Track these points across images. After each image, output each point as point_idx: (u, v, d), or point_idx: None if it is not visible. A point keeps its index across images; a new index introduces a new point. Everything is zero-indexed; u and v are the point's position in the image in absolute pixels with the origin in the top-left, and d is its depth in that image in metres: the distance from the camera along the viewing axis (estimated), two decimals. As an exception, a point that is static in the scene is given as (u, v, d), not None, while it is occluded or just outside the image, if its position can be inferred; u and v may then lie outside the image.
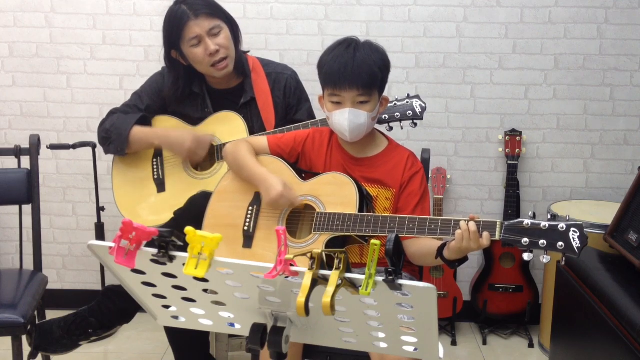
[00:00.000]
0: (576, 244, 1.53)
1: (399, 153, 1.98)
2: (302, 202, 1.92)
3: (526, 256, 1.58)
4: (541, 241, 1.55)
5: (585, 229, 1.54)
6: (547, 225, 1.55)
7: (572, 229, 1.54)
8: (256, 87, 2.38)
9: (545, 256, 1.55)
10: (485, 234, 1.59)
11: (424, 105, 2.18)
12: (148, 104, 2.42)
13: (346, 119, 1.84)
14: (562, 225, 1.54)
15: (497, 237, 1.60)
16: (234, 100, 2.40)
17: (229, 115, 2.35)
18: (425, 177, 1.98)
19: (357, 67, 1.80)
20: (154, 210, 2.36)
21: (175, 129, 2.38)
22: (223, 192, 2.06)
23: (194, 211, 2.16)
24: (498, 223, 1.61)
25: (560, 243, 1.54)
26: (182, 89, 2.38)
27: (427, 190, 1.95)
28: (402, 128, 2.22)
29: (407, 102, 2.18)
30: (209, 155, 2.37)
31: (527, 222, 1.57)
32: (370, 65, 1.82)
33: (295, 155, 2.04)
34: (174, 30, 2.25)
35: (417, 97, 2.19)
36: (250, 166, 1.97)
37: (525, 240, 1.57)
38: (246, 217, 1.97)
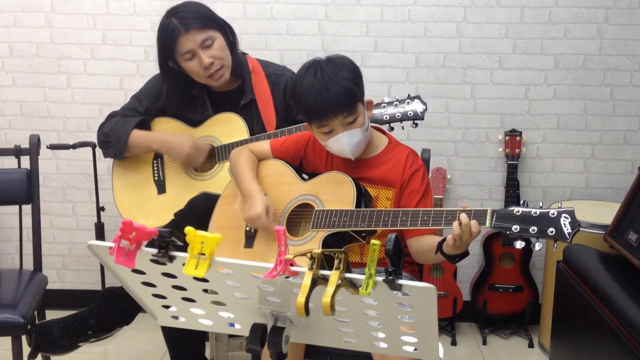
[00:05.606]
0: (567, 229, 1.50)
1: (399, 151, 1.98)
2: (274, 230, 1.91)
3: (518, 244, 1.56)
4: (532, 228, 1.53)
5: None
6: (537, 212, 1.54)
7: (563, 214, 1.52)
8: (256, 89, 2.38)
9: (537, 243, 1.54)
10: (473, 222, 1.58)
11: (424, 105, 2.18)
12: (147, 106, 2.41)
13: (344, 143, 1.84)
14: (553, 212, 1.53)
15: (487, 225, 1.59)
16: (233, 102, 2.39)
17: (230, 116, 2.35)
18: (427, 174, 1.98)
19: (333, 93, 1.77)
20: (155, 211, 2.36)
21: (175, 134, 2.37)
22: (228, 196, 2.09)
23: (194, 213, 2.16)
24: (489, 211, 1.60)
25: (551, 229, 1.51)
26: (182, 95, 2.37)
27: (428, 188, 1.95)
28: (402, 128, 2.22)
29: (408, 102, 2.19)
30: (210, 157, 2.37)
31: (518, 209, 1.56)
32: (343, 85, 1.78)
33: (298, 158, 2.06)
34: (166, 44, 2.24)
35: (418, 97, 2.19)
36: (244, 180, 1.99)
37: (515, 227, 1.55)
38: None
